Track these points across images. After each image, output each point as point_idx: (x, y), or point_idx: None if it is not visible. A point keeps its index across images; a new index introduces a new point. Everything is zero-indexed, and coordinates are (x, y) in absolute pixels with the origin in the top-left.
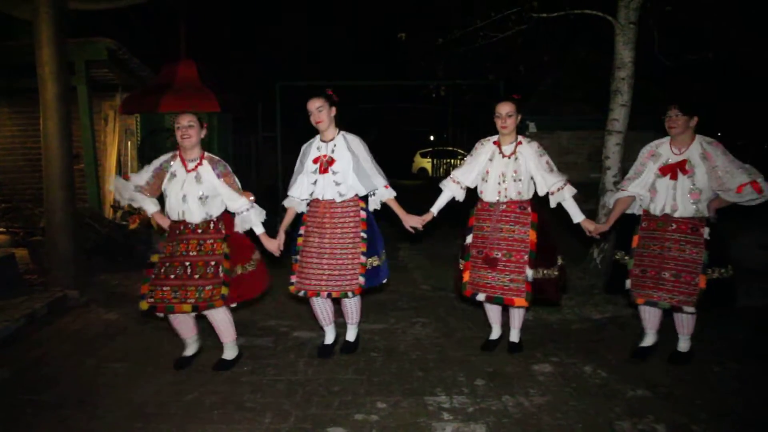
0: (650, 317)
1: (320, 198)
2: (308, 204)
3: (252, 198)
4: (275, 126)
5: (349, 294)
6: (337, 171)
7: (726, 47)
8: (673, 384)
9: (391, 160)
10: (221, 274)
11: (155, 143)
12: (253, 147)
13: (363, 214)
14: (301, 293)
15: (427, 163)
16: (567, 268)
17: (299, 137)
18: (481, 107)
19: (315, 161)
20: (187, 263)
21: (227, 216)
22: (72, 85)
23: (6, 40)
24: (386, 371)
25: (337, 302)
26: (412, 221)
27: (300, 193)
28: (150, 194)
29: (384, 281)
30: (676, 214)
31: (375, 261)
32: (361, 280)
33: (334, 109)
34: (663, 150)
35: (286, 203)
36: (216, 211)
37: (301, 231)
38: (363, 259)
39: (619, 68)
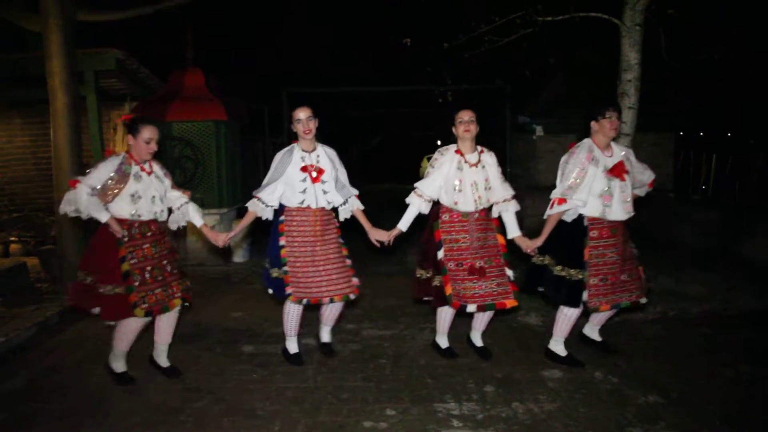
0: (602, 317)
1: (312, 206)
2: (287, 213)
3: (189, 194)
4: (282, 132)
5: (351, 296)
6: (326, 180)
7: (731, 47)
8: (685, 389)
9: (397, 165)
10: (181, 268)
11: (163, 151)
12: (260, 153)
13: (336, 221)
14: (304, 301)
15: None
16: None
17: None
18: (488, 111)
19: (303, 170)
20: (165, 261)
21: None
22: (81, 94)
23: (17, 51)
24: (395, 378)
25: (315, 308)
26: (377, 235)
27: (272, 199)
28: (104, 199)
29: None
30: (627, 216)
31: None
32: (356, 281)
33: (317, 121)
34: (597, 153)
35: (251, 206)
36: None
37: (282, 242)
38: (349, 261)
39: (625, 70)
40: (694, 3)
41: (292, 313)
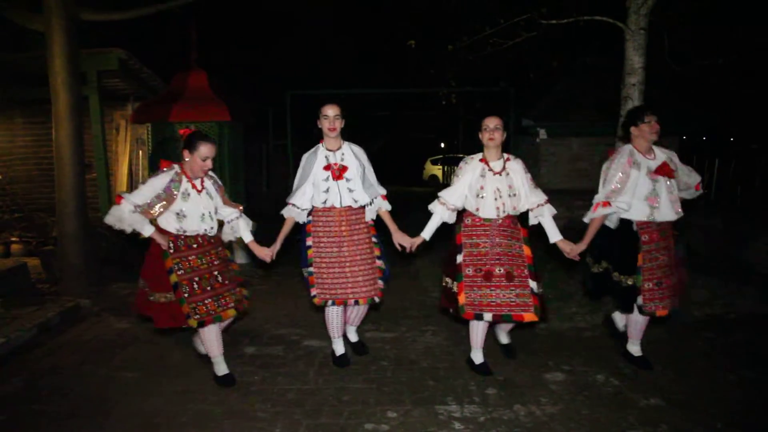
0: (644, 327)
1: (336, 205)
2: (314, 213)
3: (241, 208)
4: (285, 134)
5: (376, 299)
6: (350, 178)
7: (736, 52)
8: (687, 393)
9: (401, 168)
10: (236, 276)
11: (166, 152)
12: (264, 155)
13: (369, 220)
14: (329, 303)
15: (438, 170)
16: (571, 278)
17: (310, 145)
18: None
19: (326, 168)
20: (215, 272)
21: None
22: (84, 94)
23: (19, 51)
24: (397, 380)
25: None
26: (402, 239)
27: (303, 202)
28: (148, 215)
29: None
30: (677, 216)
31: (383, 264)
32: (380, 283)
33: (343, 121)
34: (639, 158)
35: (286, 212)
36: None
37: (310, 242)
38: (379, 263)
39: (629, 74)
40: (696, 8)
41: (331, 314)
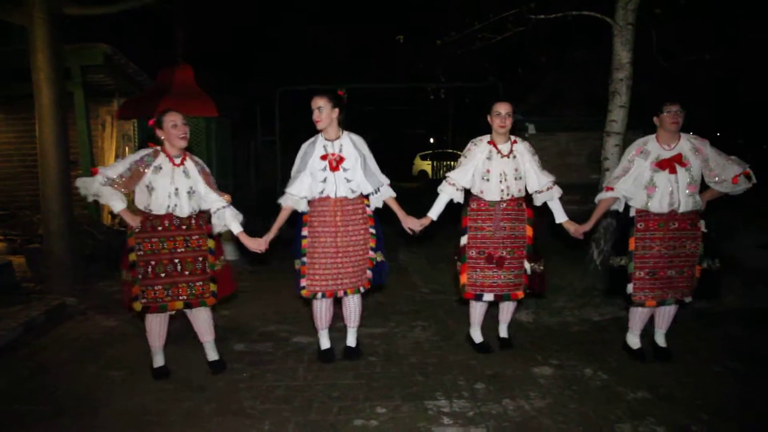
0: (644, 318)
1: (332, 196)
2: (310, 204)
3: (228, 198)
4: (274, 130)
5: (361, 289)
6: (348, 168)
7: (721, 46)
8: (674, 385)
9: (390, 163)
10: (208, 270)
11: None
12: (253, 151)
13: (369, 210)
14: (318, 295)
15: (427, 166)
16: (563, 268)
17: (299, 142)
18: (481, 109)
19: (323, 158)
20: (176, 260)
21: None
22: (68, 90)
23: (1, 45)
24: (386, 376)
25: (336, 304)
26: (410, 223)
27: (300, 191)
28: (123, 189)
29: (385, 280)
30: (681, 209)
31: (379, 256)
32: (369, 274)
33: (336, 110)
34: (651, 147)
35: (283, 201)
36: (198, 207)
37: (305, 233)
38: (371, 254)
39: (617, 69)
40: (683, 4)
41: (318, 307)
